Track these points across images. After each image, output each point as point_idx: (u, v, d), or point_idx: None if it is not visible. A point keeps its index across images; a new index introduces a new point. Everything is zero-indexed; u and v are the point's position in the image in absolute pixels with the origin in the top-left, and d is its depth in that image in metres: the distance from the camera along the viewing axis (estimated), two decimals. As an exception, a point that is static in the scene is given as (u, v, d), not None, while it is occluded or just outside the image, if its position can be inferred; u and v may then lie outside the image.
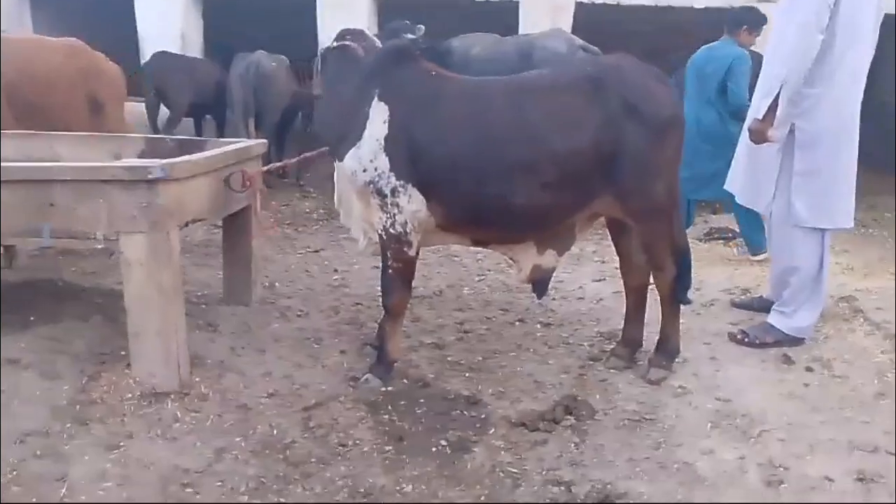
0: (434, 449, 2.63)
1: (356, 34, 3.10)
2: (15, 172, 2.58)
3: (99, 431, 2.51)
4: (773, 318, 3.55)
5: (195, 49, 8.73)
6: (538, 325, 3.82)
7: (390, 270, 2.90)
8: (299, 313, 3.77)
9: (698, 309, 3.97)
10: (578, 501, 2.33)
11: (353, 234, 3.10)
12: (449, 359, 3.33)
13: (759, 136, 3.39)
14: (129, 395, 2.67)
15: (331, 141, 2.95)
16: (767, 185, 3.50)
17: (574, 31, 7.49)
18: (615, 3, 7.97)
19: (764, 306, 3.77)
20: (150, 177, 2.53)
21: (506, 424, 2.80)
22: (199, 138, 3.81)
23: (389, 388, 2.99)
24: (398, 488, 2.41)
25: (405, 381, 3.07)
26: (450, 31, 7.08)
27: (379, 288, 3.69)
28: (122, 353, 2.93)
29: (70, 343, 2.97)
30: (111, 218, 2.59)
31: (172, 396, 2.72)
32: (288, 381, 3.01)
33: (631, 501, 2.33)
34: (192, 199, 2.83)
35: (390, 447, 2.62)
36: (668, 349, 3.16)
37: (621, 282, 3.36)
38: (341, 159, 2.86)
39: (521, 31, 7.89)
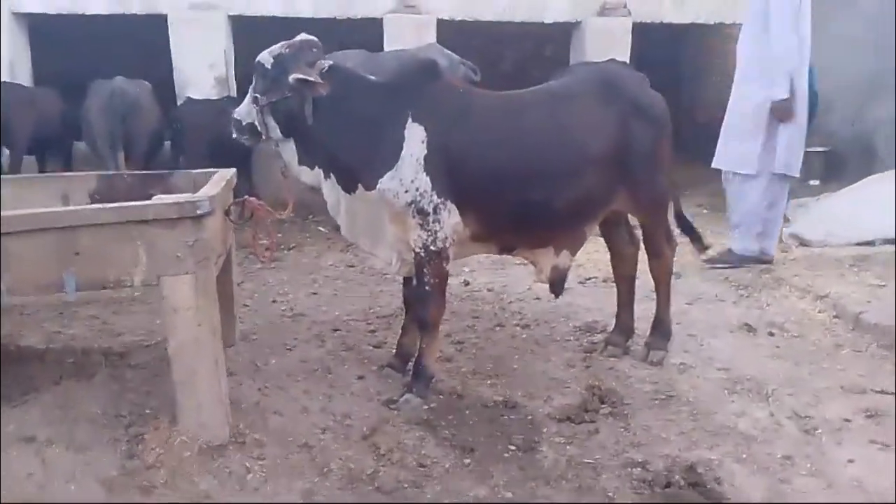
0: (506, 454, 2.69)
1: (308, 46, 2.96)
2: (32, 220, 2.26)
3: (172, 497, 2.27)
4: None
5: (24, 79, 7.82)
6: (517, 328, 3.98)
7: (428, 287, 2.90)
8: (287, 346, 3.61)
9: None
10: (667, 477, 2.51)
11: (383, 258, 3.03)
12: (462, 370, 3.38)
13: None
14: (188, 453, 2.42)
15: (352, 168, 2.85)
16: None
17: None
18: (473, 19, 8.34)
19: (733, 260, 4.79)
20: (198, 212, 2.34)
21: (553, 422, 2.93)
22: (158, 172, 3.49)
23: (433, 405, 2.99)
24: (499, 496, 2.44)
25: (440, 395, 3.08)
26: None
27: (338, 311, 4.08)
28: (147, 410, 2.67)
29: (81, 408, 2.62)
30: (151, 261, 2.35)
31: (231, 447, 2.52)
32: (328, 414, 2.89)
33: (709, 469, 2.55)
34: (216, 235, 2.64)
35: (468, 459, 2.63)
36: (662, 331, 3.47)
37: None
38: (370, 185, 2.80)
39: (385, 48, 7.99)
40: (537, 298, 4.49)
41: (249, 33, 8.41)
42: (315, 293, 4.76)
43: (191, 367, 2.46)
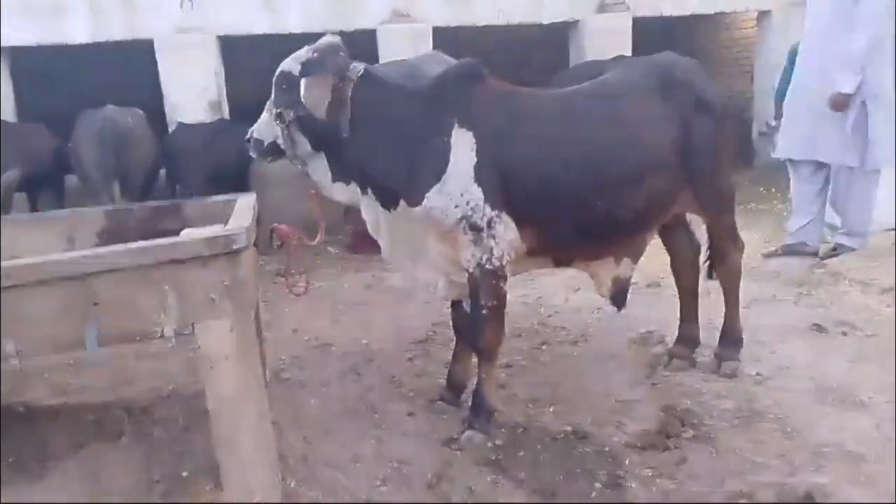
0: (593, 493, 2.40)
1: (335, 50, 2.67)
2: (43, 269, 1.95)
3: (226, 577, 1.96)
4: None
5: (8, 114, 7.50)
6: (566, 345, 3.69)
7: (484, 311, 2.61)
8: (323, 383, 3.30)
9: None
10: (782, 507, 2.22)
11: (427, 280, 2.75)
12: (519, 397, 3.08)
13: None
14: (238, 522, 2.12)
15: (393, 183, 2.56)
16: None
17: (436, 54, 7.48)
18: (470, 25, 8.09)
19: (791, 251, 4.57)
20: (234, 247, 2.04)
21: (633, 451, 2.64)
22: (170, 202, 3.17)
23: (497, 442, 2.68)
24: (595, 546, 2.14)
25: (502, 430, 2.78)
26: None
27: (367, 339, 3.78)
28: (185, 473, 2.36)
29: (111, 476, 2.31)
30: (183, 306, 2.04)
31: (283, 510, 2.21)
32: (383, 460, 2.59)
33: (824, 496, 2.26)
34: (251, 272, 2.33)
35: (551, 504, 2.33)
36: (733, 339, 3.19)
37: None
38: (416, 201, 2.51)
39: (381, 60, 7.73)
40: (578, 310, 4.20)
41: (238, 54, 8.16)
42: (337, 320, 4.44)
43: (234, 423, 2.14)
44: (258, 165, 7.48)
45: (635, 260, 2.93)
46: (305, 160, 2.70)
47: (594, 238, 2.71)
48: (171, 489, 2.28)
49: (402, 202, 2.57)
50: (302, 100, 2.55)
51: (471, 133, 2.48)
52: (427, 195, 2.49)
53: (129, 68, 8.05)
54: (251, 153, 2.85)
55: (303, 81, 2.54)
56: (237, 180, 7.19)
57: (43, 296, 1.95)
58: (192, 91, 7.62)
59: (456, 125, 2.48)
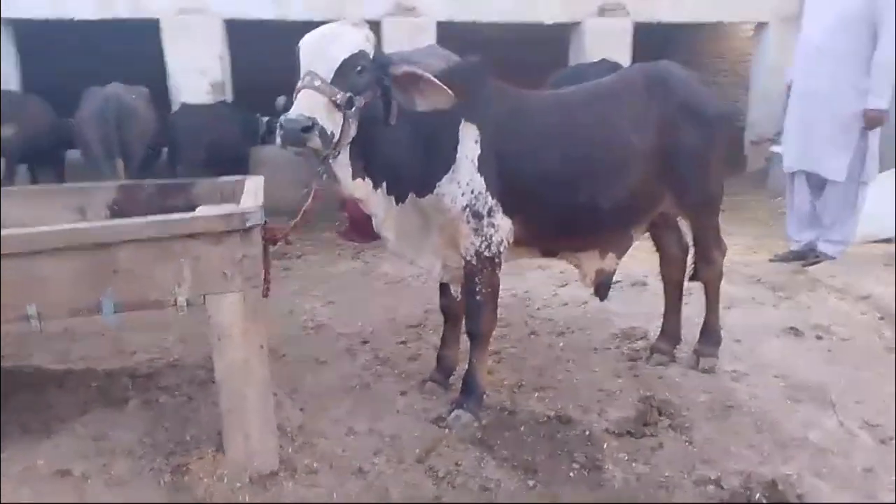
0: (571, 474, 2.54)
1: None
2: (66, 237, 2.07)
3: (227, 533, 2.09)
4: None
5: (10, 86, 7.55)
6: (553, 337, 3.83)
7: (479, 297, 2.74)
8: (319, 361, 3.43)
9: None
10: (746, 496, 2.37)
11: (425, 265, 2.87)
12: (506, 382, 3.22)
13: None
14: (239, 484, 2.25)
15: (410, 174, 2.62)
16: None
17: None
18: (473, 21, 8.21)
19: (798, 256, 4.79)
20: (248, 224, 2.16)
21: (612, 437, 2.78)
22: (180, 181, 3.28)
23: (484, 422, 2.82)
24: (570, 520, 2.29)
25: (489, 411, 2.92)
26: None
27: (361, 322, 3.92)
28: (188, 437, 2.49)
29: (116, 439, 2.43)
30: (197, 278, 2.17)
31: (282, 475, 2.34)
32: (376, 435, 2.72)
33: (788, 485, 2.41)
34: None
35: (532, 481, 2.48)
36: (712, 337, 3.34)
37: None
38: (426, 191, 2.63)
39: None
40: (565, 304, 4.34)
41: (242, 38, 8.24)
42: (332, 302, 4.56)
43: (240, 393, 2.27)
44: (259, 150, 7.65)
45: (620, 255, 3.07)
46: (333, 156, 2.37)
47: (579, 231, 2.86)
48: (174, 451, 2.40)
49: (410, 195, 2.67)
50: (422, 86, 2.41)
51: (475, 126, 2.61)
52: (439, 183, 2.61)
53: (134, 46, 8.10)
54: (304, 145, 2.22)
55: (428, 76, 2.40)
56: (237, 162, 7.31)
57: (65, 262, 2.07)
58: (196, 72, 7.71)
59: (463, 119, 2.61)
